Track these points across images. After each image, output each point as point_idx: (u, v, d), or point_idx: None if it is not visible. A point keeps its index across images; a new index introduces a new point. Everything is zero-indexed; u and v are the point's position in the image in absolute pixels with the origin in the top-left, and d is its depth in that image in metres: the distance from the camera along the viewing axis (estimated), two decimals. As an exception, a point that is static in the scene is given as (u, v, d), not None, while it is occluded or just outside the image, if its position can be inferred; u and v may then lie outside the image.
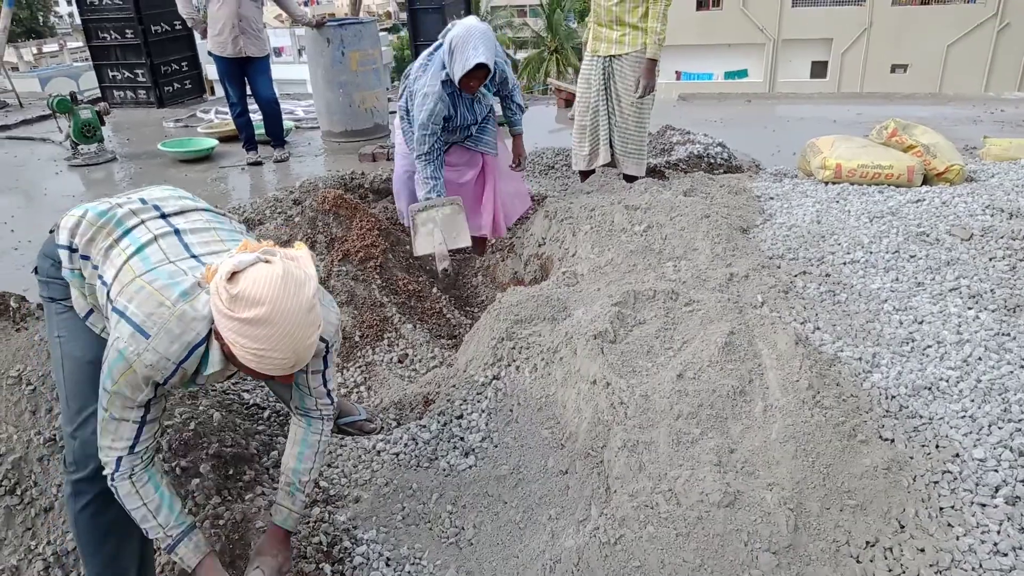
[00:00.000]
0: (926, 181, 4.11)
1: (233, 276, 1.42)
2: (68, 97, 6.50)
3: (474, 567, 2.09)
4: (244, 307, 1.40)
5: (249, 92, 6.15)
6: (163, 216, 1.72)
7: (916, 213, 3.53)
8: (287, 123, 7.25)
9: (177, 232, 1.68)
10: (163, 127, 8.13)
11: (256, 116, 6.50)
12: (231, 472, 2.28)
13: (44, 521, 2.04)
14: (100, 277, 1.62)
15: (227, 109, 6.60)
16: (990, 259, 3.00)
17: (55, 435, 2.12)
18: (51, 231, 1.76)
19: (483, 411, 2.57)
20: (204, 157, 6.68)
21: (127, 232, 1.65)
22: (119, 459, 1.61)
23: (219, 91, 8.69)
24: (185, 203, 1.81)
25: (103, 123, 6.75)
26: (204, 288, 1.53)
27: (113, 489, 1.65)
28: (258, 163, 6.37)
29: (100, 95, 9.32)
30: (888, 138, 4.35)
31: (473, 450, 2.45)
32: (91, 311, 1.75)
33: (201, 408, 2.42)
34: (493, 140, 3.88)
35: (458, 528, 2.20)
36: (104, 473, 1.64)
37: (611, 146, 4.37)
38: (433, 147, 3.53)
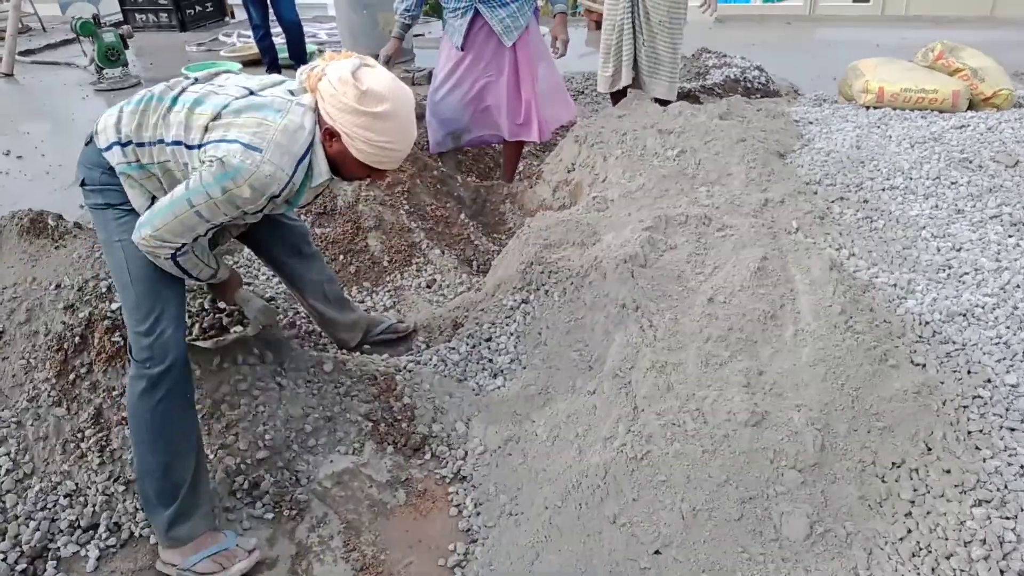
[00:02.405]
0: (972, 106, 3.96)
1: (354, 75, 1.58)
2: (91, 20, 6.44)
3: (502, 480, 2.15)
4: (374, 102, 1.59)
5: (272, 16, 6.04)
6: (197, 81, 1.79)
7: (959, 139, 3.41)
8: (310, 46, 7.13)
9: (223, 85, 1.75)
10: (186, 51, 8.06)
11: (279, 40, 6.40)
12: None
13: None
14: (173, 142, 1.68)
15: (250, 32, 6.50)
16: (1035, 186, 2.91)
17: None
18: (87, 143, 1.80)
19: (512, 334, 2.60)
20: (229, 81, 6.62)
21: (175, 99, 1.71)
22: (182, 246, 1.72)
23: (241, 14, 8.54)
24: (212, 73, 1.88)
25: (126, 47, 6.70)
26: (294, 101, 1.66)
27: (176, 263, 1.76)
28: (283, 88, 6.30)
29: (122, 19, 9.21)
30: (934, 61, 4.17)
31: (502, 371, 2.49)
32: (152, 204, 1.77)
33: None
34: (512, 24, 3.58)
35: (486, 445, 2.26)
36: (150, 249, 1.71)
37: (636, 67, 4.22)
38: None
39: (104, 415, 2.10)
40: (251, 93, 1.71)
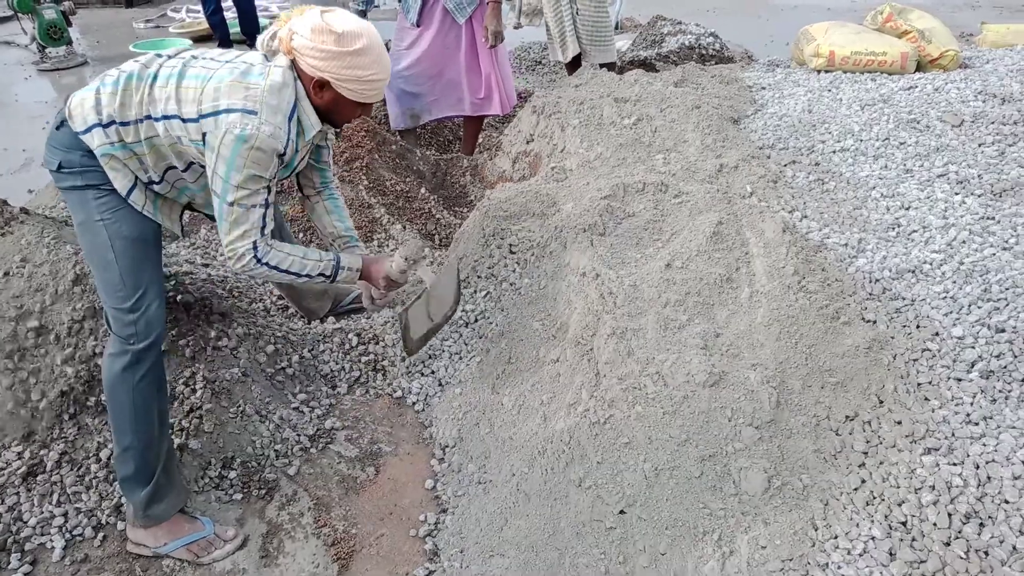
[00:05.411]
0: (920, 68, 4.04)
1: (326, 22, 1.69)
2: (29, -4, 6.18)
3: (469, 450, 2.18)
4: (351, 40, 1.69)
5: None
6: (170, 57, 1.82)
7: (908, 100, 3.48)
8: (263, 21, 6.95)
9: (194, 57, 1.81)
10: (133, 28, 7.80)
11: (230, 15, 6.23)
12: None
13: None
14: (164, 116, 1.73)
15: (199, 7, 6.32)
16: (979, 145, 2.99)
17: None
18: (57, 127, 1.79)
19: (475, 306, 2.61)
20: (178, 59, 6.44)
21: (155, 76, 1.75)
22: (254, 243, 1.84)
23: (189, -11, 8.28)
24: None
25: (70, 24, 6.45)
26: (271, 63, 1.75)
27: (265, 266, 1.87)
28: (235, 64, 6.16)
29: (63, -5, 8.85)
30: (883, 23, 4.24)
31: (465, 343, 2.50)
32: (133, 188, 1.80)
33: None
34: (465, 1, 3.61)
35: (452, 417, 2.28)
36: (243, 264, 1.85)
37: (578, 36, 4.30)
38: None
39: (67, 401, 2.07)
40: (226, 63, 1.77)
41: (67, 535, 1.95)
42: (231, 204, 1.76)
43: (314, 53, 1.71)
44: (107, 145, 1.74)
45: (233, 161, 1.70)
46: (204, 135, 1.71)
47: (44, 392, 2.07)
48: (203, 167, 1.81)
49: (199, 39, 6.80)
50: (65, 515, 1.98)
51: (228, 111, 1.68)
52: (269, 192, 1.82)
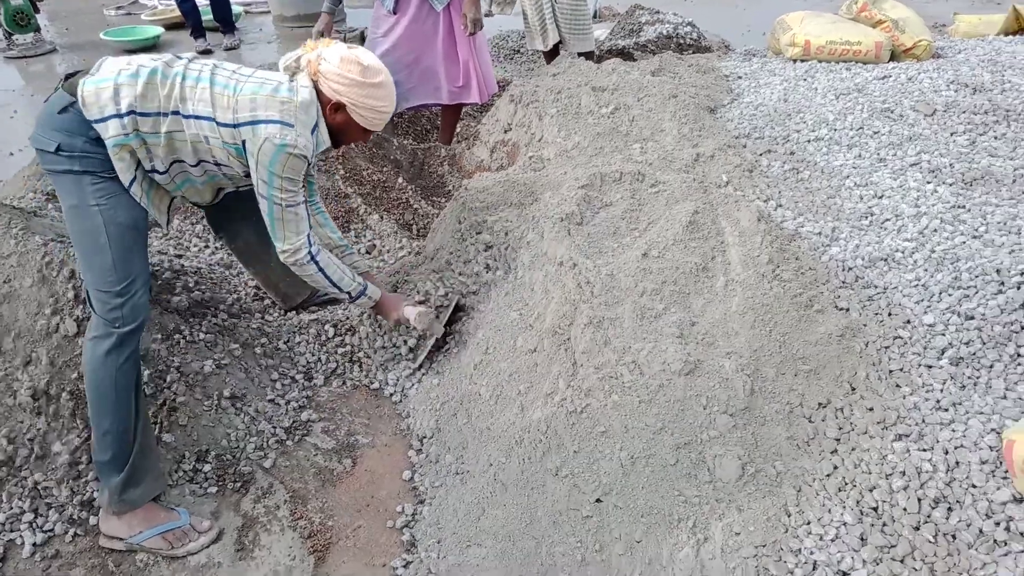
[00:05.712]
0: (894, 57, 4.07)
1: (354, 54, 1.91)
2: (-6, -18, 6.04)
3: (447, 441, 2.18)
4: (372, 74, 1.92)
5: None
6: (189, 60, 1.93)
7: (882, 90, 3.51)
8: (235, 8, 6.85)
9: (216, 65, 1.94)
10: (104, 15, 7.65)
11: (202, 2, 6.13)
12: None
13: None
14: (197, 116, 1.85)
15: (171, -7, 6.22)
16: (951, 134, 3.02)
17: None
18: (60, 111, 1.80)
19: (452, 297, 2.60)
20: (150, 47, 6.33)
21: (184, 76, 1.86)
22: (308, 236, 2.07)
23: (160, -26, 8.11)
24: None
25: (37, 11, 6.31)
26: (298, 82, 1.92)
27: (315, 264, 2.10)
28: (207, 51, 6.06)
29: (31, -19, 8.65)
30: (858, 13, 4.26)
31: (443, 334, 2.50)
32: (134, 179, 1.86)
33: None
34: None
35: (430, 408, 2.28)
36: (299, 258, 2.07)
37: (557, 25, 4.31)
38: None
39: (37, 395, 2.04)
40: (249, 76, 1.91)
41: (38, 532, 1.92)
42: (279, 204, 1.96)
43: (338, 79, 1.89)
44: (121, 136, 1.79)
45: (274, 167, 1.88)
46: (243, 142, 1.87)
47: (11, 385, 2.03)
48: (217, 165, 1.96)
49: (171, 27, 6.68)
50: (35, 511, 1.95)
51: (267, 122, 1.84)
52: (301, 191, 2.01)
